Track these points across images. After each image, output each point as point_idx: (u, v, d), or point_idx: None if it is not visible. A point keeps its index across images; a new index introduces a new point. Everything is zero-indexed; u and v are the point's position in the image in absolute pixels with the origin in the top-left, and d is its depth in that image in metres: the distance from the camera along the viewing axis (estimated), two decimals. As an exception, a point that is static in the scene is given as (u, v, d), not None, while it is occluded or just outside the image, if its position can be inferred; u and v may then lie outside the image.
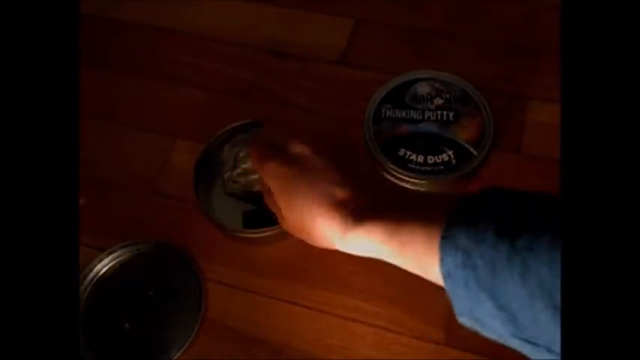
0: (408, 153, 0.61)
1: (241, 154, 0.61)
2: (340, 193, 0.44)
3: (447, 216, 0.36)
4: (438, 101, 0.64)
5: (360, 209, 0.42)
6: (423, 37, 0.75)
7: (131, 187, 0.66)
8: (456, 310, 0.36)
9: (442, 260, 0.35)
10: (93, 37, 0.77)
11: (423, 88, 0.65)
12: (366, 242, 0.41)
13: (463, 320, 0.37)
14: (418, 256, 0.38)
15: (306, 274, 0.59)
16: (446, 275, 0.35)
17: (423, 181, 0.59)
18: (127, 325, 0.57)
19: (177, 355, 0.55)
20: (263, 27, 0.78)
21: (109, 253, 0.60)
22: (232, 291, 0.59)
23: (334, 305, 0.57)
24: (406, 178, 0.59)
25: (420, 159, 0.60)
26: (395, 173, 0.60)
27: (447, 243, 0.35)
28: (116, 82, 0.75)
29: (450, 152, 0.61)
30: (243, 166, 0.60)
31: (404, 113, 0.63)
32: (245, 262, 0.60)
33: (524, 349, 0.33)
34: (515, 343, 0.34)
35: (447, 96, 0.64)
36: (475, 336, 0.55)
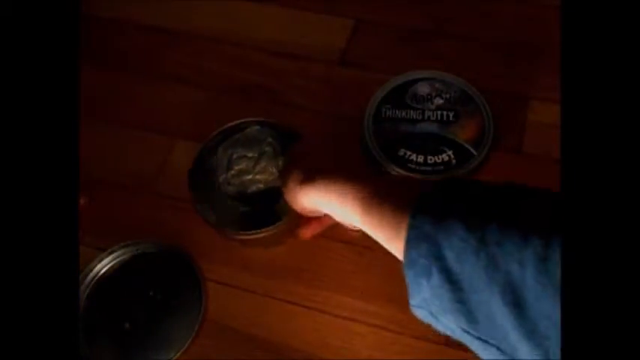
0: (408, 153, 0.61)
1: (235, 156, 0.60)
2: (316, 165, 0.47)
3: (415, 201, 0.35)
4: (438, 101, 0.64)
5: (316, 170, 0.45)
6: (423, 37, 0.75)
7: (131, 187, 0.66)
8: (414, 301, 0.35)
9: (407, 248, 0.34)
10: (93, 37, 0.77)
11: (423, 88, 0.65)
12: (316, 196, 0.44)
13: (418, 313, 0.36)
14: (383, 228, 0.38)
15: (306, 274, 0.59)
16: (408, 264, 0.34)
17: (423, 181, 0.59)
18: (127, 325, 0.57)
19: (177, 355, 0.55)
20: (263, 27, 0.78)
21: (109, 253, 0.60)
22: (232, 291, 0.59)
23: (334, 305, 0.57)
24: (406, 178, 0.59)
25: (420, 159, 0.60)
26: (395, 173, 0.60)
27: (413, 231, 0.33)
28: (116, 82, 0.75)
29: (450, 152, 0.60)
30: (237, 167, 0.59)
31: (404, 113, 0.63)
32: (245, 262, 0.60)
33: (474, 345, 0.33)
34: (466, 339, 0.33)
35: (447, 96, 0.64)
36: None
